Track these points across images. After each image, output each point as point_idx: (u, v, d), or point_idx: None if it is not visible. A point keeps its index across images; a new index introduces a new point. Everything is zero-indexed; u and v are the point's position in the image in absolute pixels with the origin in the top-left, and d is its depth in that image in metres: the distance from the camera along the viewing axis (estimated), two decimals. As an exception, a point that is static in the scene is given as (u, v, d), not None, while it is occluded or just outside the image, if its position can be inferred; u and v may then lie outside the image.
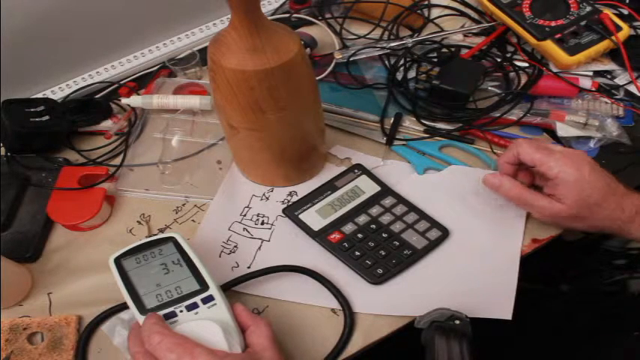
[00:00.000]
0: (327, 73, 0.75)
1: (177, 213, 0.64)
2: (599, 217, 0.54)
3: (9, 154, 0.67)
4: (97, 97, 0.76)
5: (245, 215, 0.63)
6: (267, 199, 0.64)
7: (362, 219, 0.60)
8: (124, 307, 0.54)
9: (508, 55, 0.75)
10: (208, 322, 0.45)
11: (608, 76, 0.73)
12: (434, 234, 0.59)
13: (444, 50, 0.77)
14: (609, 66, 0.73)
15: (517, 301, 0.53)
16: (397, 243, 0.58)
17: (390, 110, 0.71)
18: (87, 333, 0.54)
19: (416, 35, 0.80)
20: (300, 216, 0.60)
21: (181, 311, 0.47)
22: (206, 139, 0.70)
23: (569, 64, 0.70)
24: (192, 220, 0.63)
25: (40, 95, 0.77)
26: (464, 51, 0.77)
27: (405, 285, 0.56)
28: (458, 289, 0.55)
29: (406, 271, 0.57)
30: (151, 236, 0.54)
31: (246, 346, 0.46)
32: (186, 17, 0.84)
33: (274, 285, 0.56)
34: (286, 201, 0.64)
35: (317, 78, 0.73)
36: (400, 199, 0.62)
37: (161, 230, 0.62)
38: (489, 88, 0.72)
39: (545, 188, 0.57)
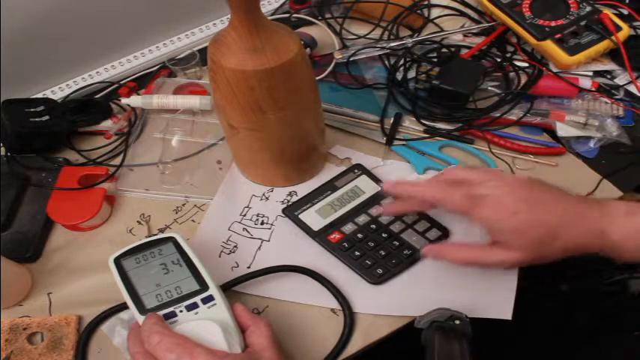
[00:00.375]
0: (327, 73, 0.75)
1: (177, 213, 0.64)
2: (560, 249, 0.48)
3: (9, 154, 0.67)
4: (97, 97, 0.76)
5: (245, 215, 0.63)
6: (267, 199, 0.64)
7: (362, 219, 0.60)
8: (123, 307, 0.54)
9: (508, 55, 0.75)
10: (208, 322, 0.45)
11: (608, 76, 0.73)
12: (434, 234, 0.59)
13: (444, 50, 0.77)
14: (609, 66, 0.73)
15: (517, 301, 0.53)
16: (397, 243, 0.58)
17: (390, 110, 0.71)
18: (87, 333, 0.54)
19: (416, 35, 0.80)
20: (300, 216, 0.60)
21: (181, 311, 0.47)
22: (206, 139, 0.70)
23: (569, 64, 0.70)
24: (192, 220, 0.63)
25: (40, 95, 0.77)
26: (464, 51, 0.77)
27: (405, 285, 0.56)
28: (458, 289, 0.55)
29: (406, 271, 0.57)
30: (150, 236, 0.54)
31: (246, 346, 0.46)
32: (186, 17, 0.84)
33: (274, 285, 0.56)
34: (286, 201, 0.64)
35: (317, 78, 0.73)
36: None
37: (161, 230, 0.62)
38: (489, 88, 0.72)
39: (490, 234, 0.51)
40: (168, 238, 0.52)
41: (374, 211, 0.60)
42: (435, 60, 0.74)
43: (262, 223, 0.62)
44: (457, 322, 0.49)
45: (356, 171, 0.64)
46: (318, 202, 0.62)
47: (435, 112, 0.70)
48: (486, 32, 0.78)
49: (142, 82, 0.79)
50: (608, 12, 0.73)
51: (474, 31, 0.79)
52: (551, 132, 0.68)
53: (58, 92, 0.77)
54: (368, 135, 0.69)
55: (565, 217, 0.47)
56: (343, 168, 0.65)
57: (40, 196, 0.63)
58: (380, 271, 0.56)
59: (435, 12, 0.84)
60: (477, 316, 0.51)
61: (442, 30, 0.80)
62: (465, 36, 0.79)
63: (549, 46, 0.71)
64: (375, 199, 0.62)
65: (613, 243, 0.47)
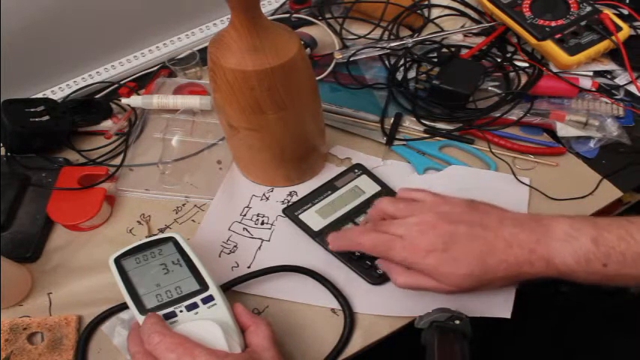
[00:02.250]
0: (327, 73, 0.75)
1: (177, 213, 0.64)
2: (496, 279, 0.46)
3: (9, 154, 0.67)
4: (97, 97, 0.76)
5: (245, 215, 0.63)
6: (267, 199, 0.64)
7: (362, 219, 0.60)
8: (123, 307, 0.54)
9: (508, 55, 0.75)
10: (208, 322, 0.45)
11: (608, 76, 0.73)
12: (434, 234, 0.59)
13: (444, 50, 0.77)
14: (609, 66, 0.73)
15: (517, 301, 0.53)
16: (397, 243, 0.58)
17: (390, 110, 0.71)
18: (87, 333, 0.54)
19: (416, 35, 0.80)
20: (300, 216, 0.60)
21: (181, 311, 0.47)
22: (206, 139, 0.70)
23: (569, 64, 0.70)
24: (192, 220, 0.63)
25: (40, 95, 0.77)
26: (464, 51, 0.77)
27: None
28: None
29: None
30: (150, 236, 0.54)
31: (246, 346, 0.46)
32: (186, 17, 0.84)
33: (274, 285, 0.56)
34: (286, 201, 0.64)
35: (317, 78, 0.73)
36: (400, 199, 0.62)
37: (161, 230, 0.62)
38: (489, 88, 0.72)
39: None
40: (169, 238, 0.52)
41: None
42: (435, 60, 0.74)
43: (262, 223, 0.62)
44: (457, 322, 0.49)
45: (356, 171, 0.64)
46: (318, 202, 0.62)
47: (435, 112, 0.70)
48: (486, 32, 0.78)
49: (142, 82, 0.79)
50: (608, 12, 0.73)
51: (474, 31, 0.79)
52: (552, 132, 0.68)
53: (58, 92, 0.77)
54: (368, 135, 0.69)
55: (490, 249, 0.46)
56: (343, 168, 0.65)
57: (40, 196, 0.63)
58: (380, 271, 0.56)
59: (435, 12, 0.84)
60: (476, 316, 0.51)
61: (442, 30, 0.80)
62: (465, 36, 0.79)
63: (549, 46, 0.71)
64: (375, 199, 0.61)
65: (558, 269, 0.45)
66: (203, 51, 0.79)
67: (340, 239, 0.54)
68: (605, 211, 0.63)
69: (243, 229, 0.61)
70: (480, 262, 0.45)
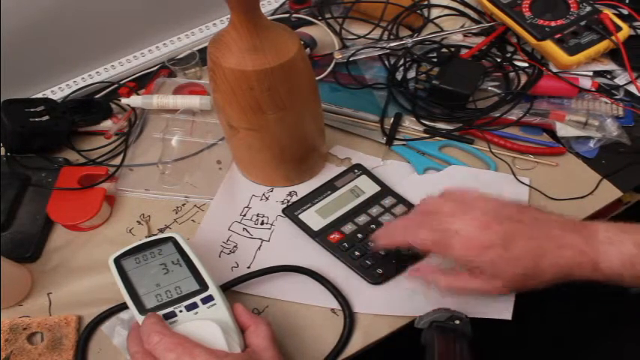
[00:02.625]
0: (327, 73, 0.75)
1: (177, 213, 0.64)
2: (545, 282, 0.46)
3: (9, 154, 0.67)
4: (97, 97, 0.76)
5: (245, 215, 0.63)
6: (267, 199, 0.64)
7: (362, 219, 0.60)
8: (123, 307, 0.54)
9: (508, 55, 0.75)
10: (208, 322, 0.45)
11: (608, 76, 0.73)
12: (434, 234, 0.59)
13: (444, 50, 0.77)
14: (609, 66, 0.73)
15: (517, 301, 0.53)
16: (397, 243, 0.58)
17: (390, 110, 0.71)
18: (87, 333, 0.54)
19: (416, 35, 0.80)
20: (300, 216, 0.60)
21: (181, 311, 0.47)
22: (206, 139, 0.70)
23: (569, 64, 0.70)
24: (192, 220, 0.63)
25: (40, 95, 0.77)
26: (464, 51, 0.77)
27: (405, 285, 0.56)
28: (458, 289, 0.55)
29: (406, 271, 0.57)
30: (150, 236, 0.54)
31: (246, 346, 0.46)
32: (186, 17, 0.84)
33: (274, 285, 0.56)
34: (286, 201, 0.64)
35: (317, 78, 0.73)
36: (400, 199, 0.62)
37: (161, 230, 0.62)
38: (489, 88, 0.72)
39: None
40: (168, 238, 0.52)
41: (374, 210, 0.60)
42: (435, 60, 0.74)
43: (262, 223, 0.62)
44: (457, 322, 0.49)
45: (356, 171, 0.64)
46: (318, 202, 0.62)
47: (435, 112, 0.70)
48: (486, 32, 0.78)
49: (142, 82, 0.79)
50: (608, 12, 0.73)
51: (473, 31, 0.79)
52: (551, 132, 0.68)
53: (58, 92, 0.77)
54: (368, 135, 0.69)
55: (542, 251, 0.45)
56: (343, 168, 0.65)
57: (40, 196, 0.63)
58: (380, 271, 0.56)
59: (435, 12, 0.84)
60: (476, 316, 0.51)
61: (442, 30, 0.80)
62: (464, 36, 0.79)
63: (549, 46, 0.71)
64: (375, 199, 0.62)
65: (605, 274, 0.45)
66: (203, 51, 0.79)
67: (391, 236, 0.51)
68: (605, 211, 0.63)
69: (243, 229, 0.61)
70: (534, 262, 0.45)
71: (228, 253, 0.59)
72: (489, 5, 0.77)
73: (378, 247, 0.55)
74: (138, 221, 0.63)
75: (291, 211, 0.61)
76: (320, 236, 0.59)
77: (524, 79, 0.72)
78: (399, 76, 0.75)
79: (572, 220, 0.48)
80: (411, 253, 0.57)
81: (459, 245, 0.46)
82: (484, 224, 0.46)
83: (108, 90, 0.78)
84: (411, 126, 0.70)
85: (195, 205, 0.64)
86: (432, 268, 0.50)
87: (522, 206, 0.49)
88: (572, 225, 0.47)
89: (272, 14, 0.86)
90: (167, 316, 0.46)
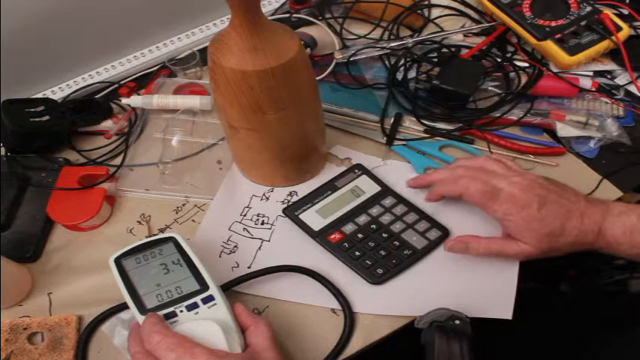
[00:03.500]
0: (327, 73, 0.75)
1: (177, 213, 0.64)
2: (566, 244, 0.52)
3: (9, 154, 0.67)
4: (97, 97, 0.76)
5: (245, 215, 0.63)
6: (267, 199, 0.64)
7: (362, 219, 0.60)
8: (124, 307, 0.54)
9: (508, 55, 0.75)
10: (208, 322, 0.45)
11: (608, 76, 0.73)
12: (434, 234, 0.59)
13: (444, 50, 0.77)
14: (609, 66, 0.73)
15: (517, 301, 0.53)
16: (397, 243, 0.58)
17: (390, 110, 0.71)
18: (87, 333, 0.54)
19: (416, 35, 0.80)
20: (301, 216, 0.60)
21: (181, 311, 0.47)
22: (206, 139, 0.70)
23: (570, 64, 0.70)
24: (193, 220, 0.63)
25: (40, 95, 0.77)
26: (464, 51, 0.77)
27: (405, 285, 0.56)
28: (458, 289, 0.55)
29: (406, 271, 0.57)
30: (151, 236, 0.54)
31: (246, 346, 0.46)
32: (186, 17, 0.84)
33: (274, 285, 0.56)
34: (286, 201, 0.64)
35: (317, 78, 0.73)
36: (400, 199, 0.62)
37: (161, 230, 0.62)
38: (489, 88, 0.72)
39: (502, 227, 0.56)
40: (169, 238, 0.52)
41: (374, 210, 0.60)
42: (435, 60, 0.74)
43: (262, 223, 0.62)
44: (457, 322, 0.49)
45: (356, 171, 0.64)
46: (318, 202, 0.62)
47: (435, 112, 0.70)
48: (486, 32, 0.78)
49: (142, 82, 0.79)
50: (608, 12, 0.73)
51: (474, 31, 0.79)
52: (552, 132, 0.68)
53: (58, 92, 0.77)
54: (368, 135, 0.69)
55: (569, 215, 0.52)
56: (343, 168, 0.65)
57: (40, 196, 0.63)
58: (380, 271, 0.56)
59: (435, 12, 0.84)
60: (477, 316, 0.51)
61: (442, 30, 0.80)
62: (465, 36, 0.79)
63: (549, 46, 0.71)
64: (376, 199, 0.62)
65: (607, 240, 0.52)
66: (203, 51, 0.79)
67: (438, 188, 0.58)
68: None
69: (244, 229, 0.61)
70: (560, 224, 0.51)
71: (229, 253, 0.59)
72: (490, 5, 0.77)
73: (434, 198, 0.59)
74: (138, 221, 0.63)
75: (292, 211, 0.61)
76: (320, 236, 0.59)
77: (524, 79, 0.72)
78: (399, 76, 0.75)
79: (593, 198, 0.57)
80: (410, 253, 0.57)
81: (504, 199, 0.53)
82: (526, 187, 0.53)
83: (108, 90, 0.78)
84: (411, 126, 0.70)
85: (195, 205, 0.64)
86: (469, 236, 0.56)
87: (555, 181, 0.56)
88: (594, 200, 0.54)
89: (272, 14, 0.86)
90: (168, 316, 0.46)
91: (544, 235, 0.52)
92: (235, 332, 0.46)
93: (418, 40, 0.77)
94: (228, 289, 0.55)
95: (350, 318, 0.53)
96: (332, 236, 0.59)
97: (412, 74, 0.74)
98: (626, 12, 0.77)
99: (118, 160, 0.68)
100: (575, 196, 0.54)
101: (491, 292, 0.55)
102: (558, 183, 0.55)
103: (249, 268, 0.58)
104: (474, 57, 0.75)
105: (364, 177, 0.64)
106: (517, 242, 0.53)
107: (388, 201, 0.62)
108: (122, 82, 0.78)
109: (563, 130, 0.67)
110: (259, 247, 0.60)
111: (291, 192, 0.64)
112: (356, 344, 0.53)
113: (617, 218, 0.51)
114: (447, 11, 0.84)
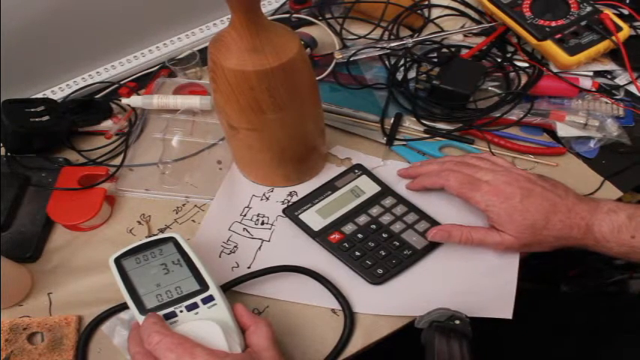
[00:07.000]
0: (327, 73, 0.75)
1: (177, 213, 0.64)
2: (550, 237, 0.53)
3: (9, 154, 0.67)
4: (97, 97, 0.76)
5: (245, 215, 0.63)
6: (267, 199, 0.64)
7: (362, 219, 0.60)
8: (124, 307, 0.54)
9: (508, 55, 0.75)
10: (208, 323, 0.45)
11: (609, 76, 0.73)
12: (434, 234, 0.59)
13: (444, 50, 0.77)
14: (609, 66, 0.73)
15: (517, 301, 0.53)
16: (397, 243, 0.58)
17: (390, 110, 0.71)
18: (87, 333, 0.54)
19: (416, 35, 0.80)
20: (300, 216, 0.60)
21: (181, 311, 0.47)
22: (206, 139, 0.70)
23: (570, 64, 0.70)
24: (192, 220, 0.63)
25: (40, 95, 0.77)
26: (464, 51, 0.77)
27: (405, 285, 0.56)
28: (458, 289, 0.55)
29: (406, 271, 0.57)
30: (151, 236, 0.54)
31: (247, 346, 0.46)
32: (186, 17, 0.84)
33: (274, 285, 0.56)
34: (286, 201, 0.64)
35: (317, 78, 0.73)
36: (400, 199, 0.62)
37: (161, 230, 0.62)
38: (489, 88, 0.72)
39: (486, 218, 0.57)
40: (169, 238, 0.52)
41: (374, 210, 0.60)
42: (435, 60, 0.74)
43: (262, 224, 0.62)
44: (457, 322, 0.49)
45: (356, 171, 0.64)
46: (318, 202, 0.62)
47: (435, 112, 0.70)
48: (487, 32, 0.78)
49: (142, 82, 0.79)
50: (608, 12, 0.73)
51: (474, 31, 0.79)
52: (552, 132, 0.68)
53: (58, 92, 0.77)
54: (368, 135, 0.69)
55: (554, 209, 0.52)
56: (343, 168, 0.65)
57: (40, 196, 0.63)
58: (380, 271, 0.56)
59: (436, 12, 0.84)
60: (476, 316, 0.51)
61: (442, 30, 0.80)
62: (465, 36, 0.79)
63: (549, 46, 0.71)
64: (376, 199, 0.62)
65: (595, 237, 0.52)
66: (203, 51, 0.79)
67: (422, 179, 0.60)
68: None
69: (244, 229, 0.61)
70: (544, 216, 0.52)
71: (229, 253, 0.59)
72: (490, 5, 0.77)
73: (415, 187, 0.61)
74: (138, 221, 0.63)
75: (292, 211, 0.61)
76: (320, 236, 0.59)
77: (524, 79, 0.72)
78: (399, 76, 0.75)
79: (583, 196, 0.56)
80: (410, 253, 0.57)
81: (486, 190, 0.54)
82: (511, 180, 0.54)
83: (108, 90, 0.78)
84: (411, 126, 0.70)
85: (195, 205, 0.64)
86: (452, 224, 0.57)
87: (545, 177, 0.57)
88: (584, 198, 0.55)
89: (272, 14, 0.86)
90: (167, 316, 0.46)
91: (526, 227, 0.52)
92: (235, 332, 0.46)
93: (418, 40, 0.77)
94: (228, 289, 0.55)
95: (350, 318, 0.53)
96: (332, 236, 0.59)
97: (412, 74, 0.74)
98: (626, 12, 0.77)
99: (117, 160, 0.68)
100: (565, 192, 0.54)
101: (491, 292, 0.55)
102: (551, 180, 0.56)
103: (249, 268, 0.58)
104: (474, 57, 0.75)
105: (364, 177, 0.64)
106: (499, 232, 0.54)
107: (388, 201, 0.62)
108: (122, 82, 0.78)
109: (563, 130, 0.67)
110: (259, 247, 0.60)
111: (291, 192, 0.64)
112: (356, 344, 0.53)
113: (605, 215, 0.52)
114: (447, 11, 0.84)
